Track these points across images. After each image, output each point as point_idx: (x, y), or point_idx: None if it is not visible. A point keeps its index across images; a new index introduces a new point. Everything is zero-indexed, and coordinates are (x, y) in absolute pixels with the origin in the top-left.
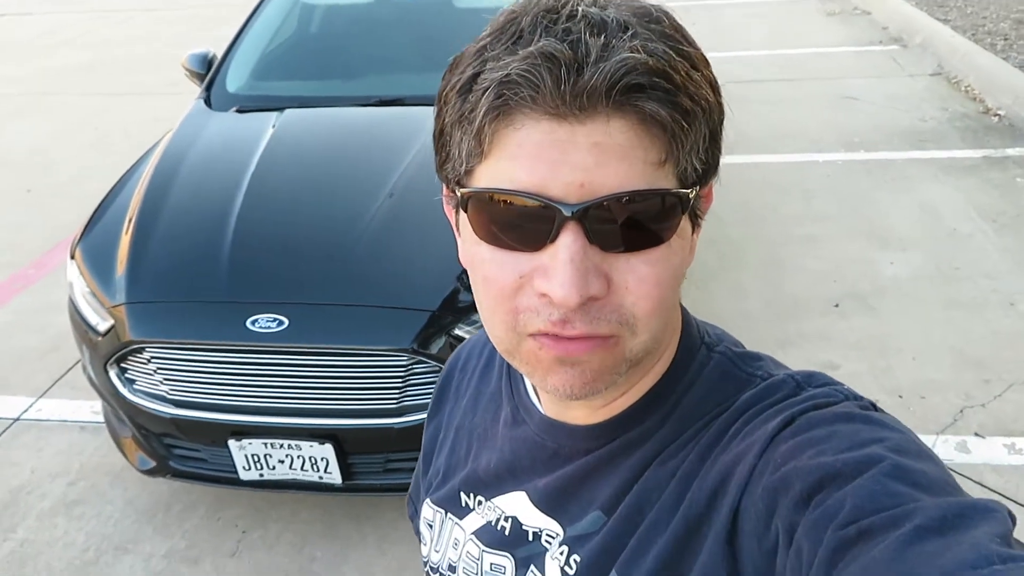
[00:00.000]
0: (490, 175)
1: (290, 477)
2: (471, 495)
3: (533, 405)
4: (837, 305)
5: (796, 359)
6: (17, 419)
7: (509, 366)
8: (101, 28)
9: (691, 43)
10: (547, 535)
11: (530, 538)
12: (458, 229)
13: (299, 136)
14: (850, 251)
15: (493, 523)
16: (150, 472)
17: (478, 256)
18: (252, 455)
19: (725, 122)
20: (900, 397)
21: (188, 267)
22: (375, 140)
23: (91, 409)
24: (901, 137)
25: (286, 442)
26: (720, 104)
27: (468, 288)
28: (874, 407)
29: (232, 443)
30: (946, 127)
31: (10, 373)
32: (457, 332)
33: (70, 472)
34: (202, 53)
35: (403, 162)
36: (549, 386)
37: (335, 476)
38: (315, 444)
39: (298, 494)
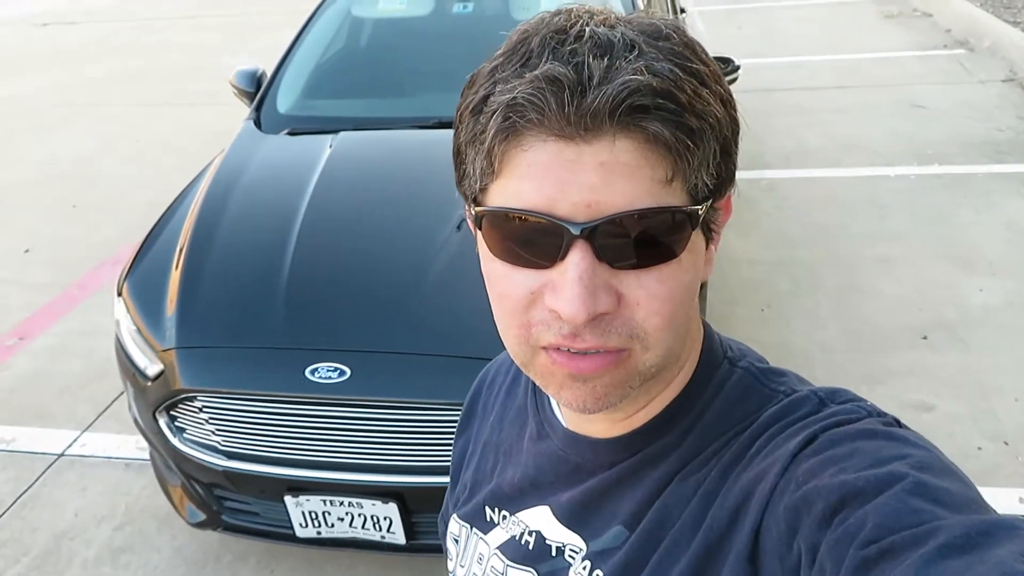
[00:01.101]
0: (502, 194)
1: (350, 535)
2: (496, 510)
3: (557, 419)
4: (926, 337)
5: (884, 398)
6: (61, 455)
7: (535, 383)
8: (143, 37)
9: (701, 59)
10: (570, 550)
11: (553, 553)
12: (477, 243)
13: (356, 162)
14: (933, 275)
15: (517, 537)
16: (200, 525)
17: (493, 272)
18: (310, 512)
19: (781, 133)
20: (1006, 444)
21: (242, 309)
22: (437, 166)
23: (136, 445)
24: (977, 149)
25: (347, 499)
26: (733, 117)
27: None
28: (898, 423)
29: (288, 499)
30: None
31: (53, 403)
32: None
33: (116, 515)
34: (251, 70)
35: None
36: (563, 400)
37: (399, 536)
38: (378, 503)
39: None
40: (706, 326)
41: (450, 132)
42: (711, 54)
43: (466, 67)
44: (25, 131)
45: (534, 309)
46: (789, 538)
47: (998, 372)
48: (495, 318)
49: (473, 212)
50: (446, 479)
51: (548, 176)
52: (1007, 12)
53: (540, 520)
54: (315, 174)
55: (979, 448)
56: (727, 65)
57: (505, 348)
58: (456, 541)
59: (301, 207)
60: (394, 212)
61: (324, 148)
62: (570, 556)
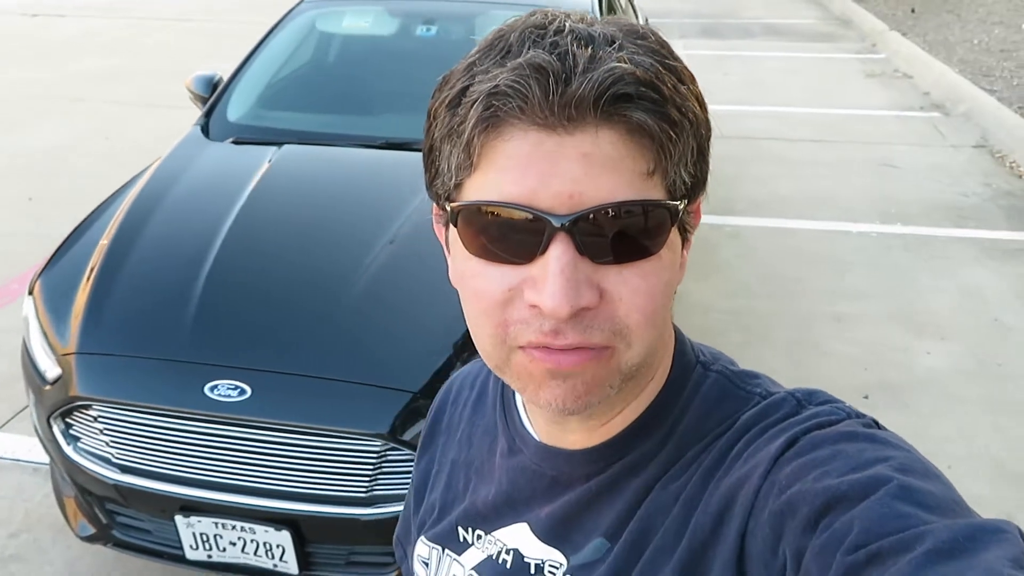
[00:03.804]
0: (480, 188)
1: (241, 561)
2: (470, 530)
3: (528, 433)
4: (866, 397)
5: None
6: None
7: (503, 396)
8: (133, 36)
9: (677, 58)
10: (550, 566)
11: (532, 570)
12: (448, 247)
13: (293, 177)
14: (884, 336)
15: (494, 557)
16: (90, 539)
17: (468, 271)
18: (201, 534)
19: (754, 181)
20: None
21: (150, 318)
22: (377, 187)
23: None
24: (941, 212)
25: (240, 523)
26: (707, 120)
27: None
28: (876, 424)
29: (180, 519)
30: (989, 205)
31: None
32: None
33: (12, 521)
34: (208, 75)
35: (404, 213)
36: (541, 400)
37: (291, 566)
38: (271, 529)
39: None
40: (677, 331)
41: (397, 154)
42: None
43: (422, 90)
44: None
45: (511, 307)
46: (774, 543)
47: (936, 437)
48: (468, 319)
49: (448, 209)
50: (344, 510)
51: (529, 167)
52: (985, 80)
53: (518, 538)
54: (251, 184)
55: None
56: None
57: (478, 350)
58: (426, 564)
59: (229, 217)
60: (324, 231)
61: (264, 159)
62: (550, 572)
